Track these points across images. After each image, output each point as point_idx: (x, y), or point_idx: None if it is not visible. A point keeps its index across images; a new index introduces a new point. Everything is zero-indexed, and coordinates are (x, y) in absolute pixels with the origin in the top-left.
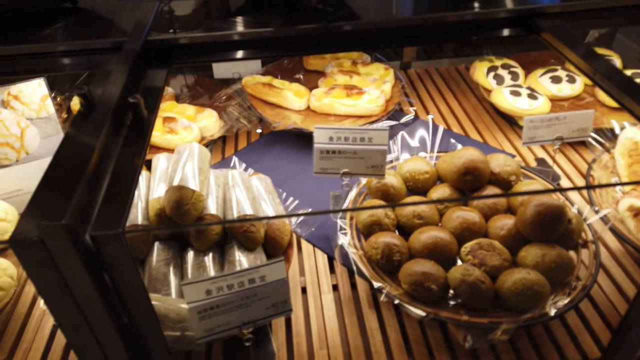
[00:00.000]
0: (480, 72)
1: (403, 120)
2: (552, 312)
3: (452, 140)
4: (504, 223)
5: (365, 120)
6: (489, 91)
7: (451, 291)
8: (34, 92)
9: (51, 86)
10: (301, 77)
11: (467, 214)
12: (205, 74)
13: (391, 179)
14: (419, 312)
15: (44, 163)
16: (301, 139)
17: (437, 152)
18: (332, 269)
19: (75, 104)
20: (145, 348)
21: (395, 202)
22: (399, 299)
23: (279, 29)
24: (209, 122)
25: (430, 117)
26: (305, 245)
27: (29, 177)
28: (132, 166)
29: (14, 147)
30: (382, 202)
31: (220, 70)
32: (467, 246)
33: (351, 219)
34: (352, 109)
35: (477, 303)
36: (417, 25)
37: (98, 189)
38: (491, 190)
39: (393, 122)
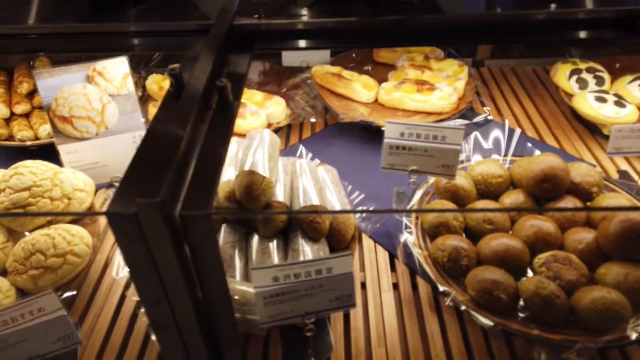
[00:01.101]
0: (562, 74)
1: (475, 120)
2: (633, 336)
3: (529, 145)
4: (582, 237)
5: (435, 118)
6: (570, 95)
7: (521, 302)
8: (117, 69)
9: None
10: (370, 69)
11: (542, 224)
12: (274, 61)
13: (461, 180)
14: (487, 321)
15: (121, 138)
16: (366, 132)
17: (512, 156)
18: (392, 267)
19: (150, 83)
20: (217, 326)
21: (464, 204)
22: (466, 306)
23: (360, 19)
24: (277, 109)
25: (506, 120)
26: (367, 240)
27: (106, 150)
28: (218, 149)
29: (94, 122)
30: (450, 203)
31: (289, 58)
32: (541, 257)
33: (417, 218)
34: (422, 105)
35: (550, 318)
36: (499, 21)
37: (186, 170)
38: (570, 200)
39: (464, 122)
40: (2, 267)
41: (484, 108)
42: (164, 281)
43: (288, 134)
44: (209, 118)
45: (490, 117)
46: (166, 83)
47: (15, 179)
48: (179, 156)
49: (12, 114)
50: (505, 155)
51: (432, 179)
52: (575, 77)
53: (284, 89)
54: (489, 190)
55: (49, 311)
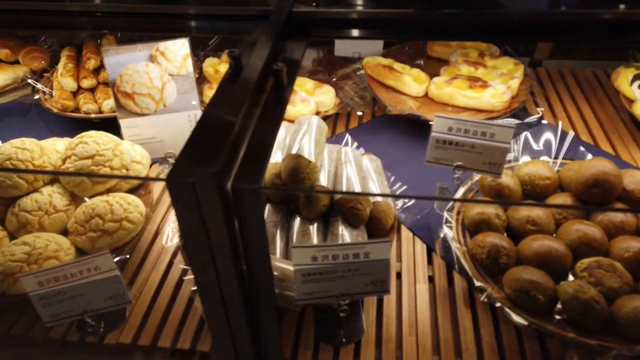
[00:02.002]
0: (624, 79)
1: (527, 120)
2: None
3: (582, 149)
4: (630, 245)
5: (485, 115)
6: (631, 101)
7: (558, 305)
8: (178, 50)
9: None
10: (422, 63)
11: (588, 229)
12: (327, 50)
13: (507, 179)
14: (521, 320)
15: (177, 116)
16: (413, 126)
17: (563, 159)
18: (429, 260)
19: (207, 66)
20: (257, 296)
21: (508, 204)
22: (501, 303)
23: (416, 11)
24: (326, 97)
25: (559, 122)
26: (405, 231)
27: (163, 127)
28: (270, 130)
29: (154, 99)
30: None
31: (342, 48)
32: (584, 262)
33: (458, 213)
34: (473, 102)
35: (588, 323)
36: (561, 19)
37: (239, 147)
38: (620, 208)
39: (516, 121)
40: (64, 228)
41: (537, 109)
42: (212, 248)
43: (335, 123)
44: (263, 100)
45: (545, 121)
46: (222, 66)
47: (80, 147)
48: (234, 134)
49: (79, 87)
50: (556, 157)
51: (476, 176)
52: (638, 83)
53: (335, 79)
54: (535, 191)
55: (104, 270)
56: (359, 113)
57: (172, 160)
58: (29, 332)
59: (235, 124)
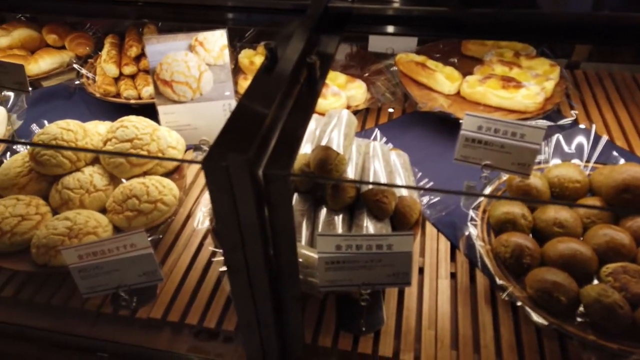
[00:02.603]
0: None
1: (560, 122)
2: None
3: (615, 154)
4: None
5: (517, 116)
6: None
7: (580, 308)
8: (216, 41)
9: None
10: (456, 61)
11: (616, 234)
12: (359, 45)
13: (536, 180)
14: (542, 320)
15: (213, 105)
16: (444, 123)
17: (595, 163)
18: (452, 257)
19: (242, 57)
20: (282, 280)
21: (536, 205)
22: (522, 302)
23: (452, 9)
24: (358, 92)
25: (593, 125)
26: (430, 228)
27: (198, 115)
28: (301, 121)
29: (191, 87)
30: (519, 203)
31: (375, 43)
32: (610, 267)
33: (484, 212)
34: (505, 102)
35: (610, 326)
36: (601, 22)
37: (271, 136)
38: None
39: (548, 123)
40: (102, 206)
41: (572, 112)
42: (242, 230)
43: (365, 118)
44: (296, 92)
45: (580, 125)
46: (257, 58)
47: (121, 131)
48: (267, 123)
49: (121, 74)
50: (588, 161)
51: (504, 176)
52: None
53: (367, 74)
54: (564, 194)
55: (139, 248)
56: (390, 110)
57: (205, 147)
58: (67, 303)
59: (269, 113)
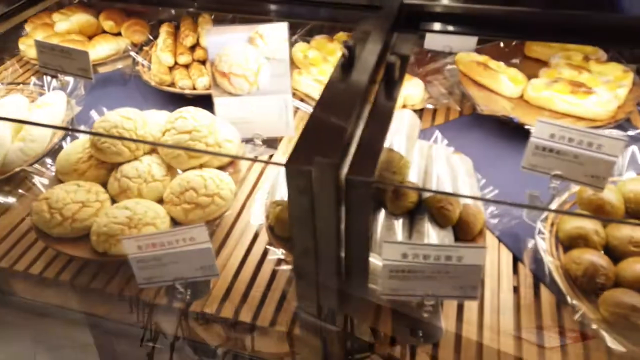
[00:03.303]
0: None
1: (631, 133)
2: None
3: None
4: None
5: (586, 124)
6: None
7: None
8: (276, 34)
9: None
10: (518, 62)
11: None
12: (416, 42)
13: (610, 194)
14: (618, 346)
15: (269, 99)
16: (504, 128)
17: None
18: (514, 270)
19: (297, 51)
20: (350, 287)
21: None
22: (597, 325)
23: (529, 9)
24: (415, 91)
25: None
26: (490, 238)
27: (254, 109)
28: (382, 122)
29: (248, 80)
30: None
31: (432, 41)
32: None
33: (552, 225)
34: (574, 108)
35: None
36: None
37: (352, 139)
38: None
39: (620, 133)
40: (159, 197)
41: None
42: (317, 234)
43: (420, 118)
44: (375, 91)
45: None
46: (311, 52)
47: (180, 121)
48: (349, 127)
49: (175, 63)
50: None
51: (574, 188)
52: None
53: (424, 73)
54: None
55: (198, 242)
56: (450, 106)
57: (258, 142)
58: (122, 292)
59: (351, 117)
